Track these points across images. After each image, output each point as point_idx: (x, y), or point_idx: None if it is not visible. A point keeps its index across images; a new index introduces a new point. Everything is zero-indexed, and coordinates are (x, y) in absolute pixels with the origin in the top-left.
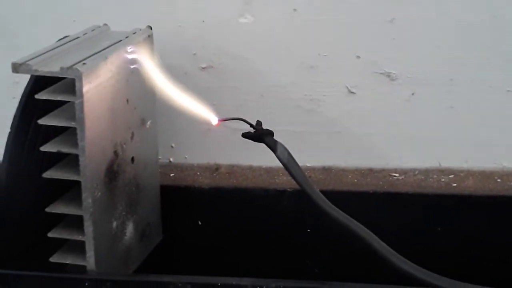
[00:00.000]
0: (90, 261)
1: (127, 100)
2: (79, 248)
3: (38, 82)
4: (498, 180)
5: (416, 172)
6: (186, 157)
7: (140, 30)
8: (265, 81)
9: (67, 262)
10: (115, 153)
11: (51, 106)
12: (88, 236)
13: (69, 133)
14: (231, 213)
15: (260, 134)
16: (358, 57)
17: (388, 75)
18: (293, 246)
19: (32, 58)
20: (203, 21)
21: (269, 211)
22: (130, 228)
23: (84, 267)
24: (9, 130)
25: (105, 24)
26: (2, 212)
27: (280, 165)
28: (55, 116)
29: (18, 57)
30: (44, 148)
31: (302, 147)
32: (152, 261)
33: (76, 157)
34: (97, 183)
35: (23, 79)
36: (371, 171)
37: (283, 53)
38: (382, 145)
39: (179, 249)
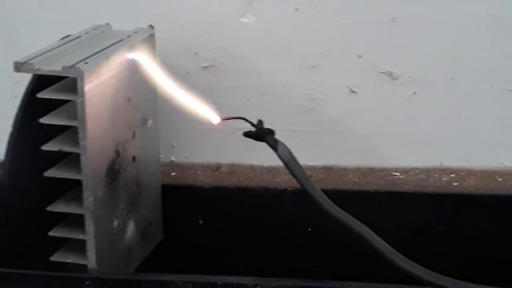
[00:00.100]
0: (91, 260)
1: (129, 99)
2: (80, 247)
3: (40, 81)
4: (499, 179)
5: (418, 171)
6: (187, 156)
7: (142, 29)
8: (266, 80)
9: (68, 261)
10: (117, 152)
11: (52, 105)
12: (89, 235)
13: (70, 132)
14: (232, 212)
15: (261, 133)
16: (360, 56)
17: (390, 75)
18: (293, 245)
19: (34, 57)
20: (204, 20)
21: (270, 210)
22: (131, 227)
23: (85, 266)
24: (11, 129)
25: (107, 24)
26: (3, 211)
27: (281, 164)
28: (56, 115)
29: (20, 56)
30: (46, 147)
31: (303, 146)
32: (153, 260)
33: (77, 156)
34: (98, 182)
35: (25, 78)
36: (372, 170)
37: (285, 52)
38: (384, 145)
39: (180, 248)
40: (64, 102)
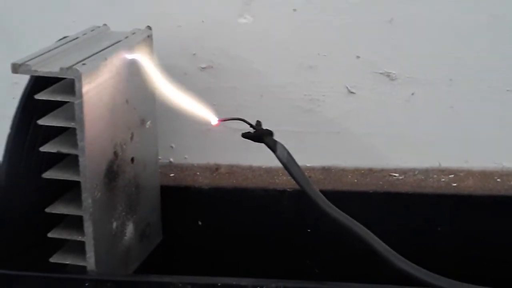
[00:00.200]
0: (90, 261)
1: (127, 101)
2: (79, 248)
3: (38, 83)
4: (498, 180)
5: (416, 172)
6: (186, 157)
7: (140, 30)
8: (264, 81)
9: (67, 262)
10: (115, 153)
11: (50, 107)
12: (88, 236)
13: (68, 134)
14: (231, 213)
15: (260, 134)
16: (358, 57)
17: (388, 75)
18: (293, 246)
19: (32, 59)
20: (202, 21)
21: (269, 211)
22: (130, 229)
23: (84, 267)
24: (8, 130)
25: (105, 25)
26: (2, 213)
27: (280, 165)
28: (54, 117)
29: (17, 58)
30: (44, 148)
31: (302, 147)
32: (152, 261)
33: (75, 157)
34: (97, 183)
35: (23, 80)
36: (371, 171)
37: (283, 53)
38: (382, 145)
39: (179, 249)
40: (62, 103)
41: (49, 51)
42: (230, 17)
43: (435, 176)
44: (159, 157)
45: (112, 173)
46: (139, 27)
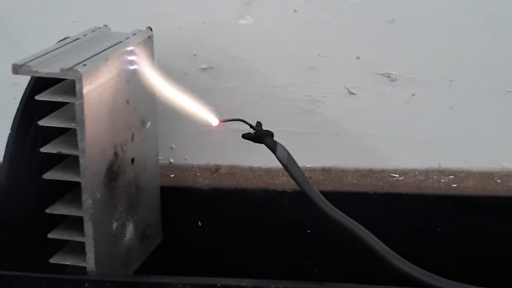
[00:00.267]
0: (90, 262)
1: (127, 101)
2: (79, 249)
3: (38, 84)
4: (498, 180)
5: (416, 173)
6: (186, 158)
7: (140, 31)
8: (265, 82)
9: (67, 263)
10: (115, 154)
11: (51, 107)
12: (88, 237)
13: (69, 134)
14: (231, 214)
15: (260, 135)
16: (358, 58)
17: (388, 76)
18: (293, 247)
19: (32, 60)
20: (203, 22)
21: (269, 212)
22: (130, 229)
23: (84, 268)
24: (9, 131)
25: (105, 25)
26: (2, 213)
27: (280, 165)
28: (55, 117)
29: (18, 59)
30: (44, 149)
31: (302, 147)
32: (152, 262)
33: (76, 158)
34: (97, 184)
35: (23, 80)
36: (371, 171)
37: (283, 54)
38: (382, 146)
39: (179, 250)
40: (62, 104)
41: (50, 52)
42: (231, 17)
43: (435, 177)
44: (159, 158)
45: (112, 174)
46: (140, 28)
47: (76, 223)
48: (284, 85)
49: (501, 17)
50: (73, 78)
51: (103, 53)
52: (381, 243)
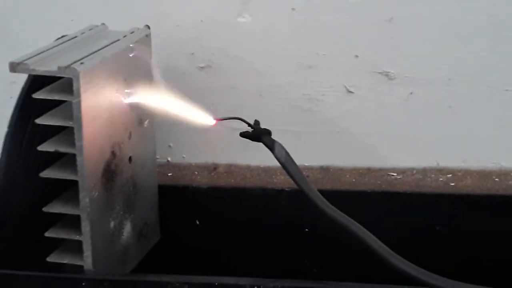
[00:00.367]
0: (87, 261)
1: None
2: (76, 247)
3: (36, 82)
4: (496, 179)
5: (414, 172)
6: (184, 157)
7: (138, 29)
8: (263, 80)
9: (65, 262)
10: (113, 152)
11: (48, 106)
12: (85, 235)
13: (66, 133)
14: (229, 213)
15: (258, 134)
16: (357, 56)
17: (387, 75)
18: (291, 245)
19: (30, 58)
20: (201, 20)
21: (267, 210)
22: (127, 228)
23: (81, 267)
24: (6, 129)
25: (103, 24)
26: None
27: (278, 164)
28: (52, 116)
29: (15, 57)
30: (42, 147)
31: (300, 146)
32: (150, 260)
33: (73, 156)
34: (95, 182)
35: (21, 79)
36: (369, 170)
37: (281, 52)
38: (380, 145)
39: (177, 248)
40: (60, 102)
41: (47, 50)
42: (229, 16)
43: (433, 175)
44: (157, 156)
45: (109, 173)
46: (138, 26)
47: (74, 222)
48: (282, 84)
49: (501, 16)
50: (70, 76)
51: (100, 51)
52: (379, 241)
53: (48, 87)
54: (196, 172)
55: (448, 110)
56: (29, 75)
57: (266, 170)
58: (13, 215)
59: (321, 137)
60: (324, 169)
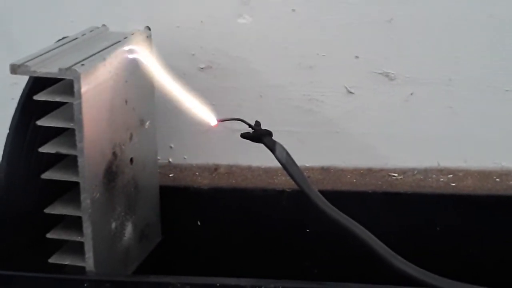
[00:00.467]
0: (89, 262)
1: (126, 101)
2: (78, 249)
3: (37, 83)
4: (497, 179)
5: (415, 172)
6: (185, 158)
7: (139, 31)
8: (263, 81)
9: (66, 263)
10: (114, 154)
11: (49, 107)
12: (87, 237)
13: (67, 134)
14: (230, 214)
15: (258, 135)
16: (357, 57)
17: (387, 75)
18: (292, 246)
19: (31, 59)
20: (201, 21)
21: (268, 211)
22: (129, 229)
23: (83, 268)
24: (7, 131)
25: (104, 25)
26: (1, 213)
27: (279, 165)
28: (53, 117)
29: (16, 58)
30: (43, 149)
31: (301, 147)
32: (151, 261)
33: (74, 158)
34: (96, 184)
35: (22, 80)
36: (370, 171)
37: (282, 53)
38: (381, 145)
39: (178, 249)
40: (61, 104)
41: (48, 51)
42: (229, 17)
43: (434, 176)
44: (158, 158)
45: (111, 174)
46: (138, 28)
47: (75, 223)
48: (283, 85)
49: (501, 16)
50: (71, 78)
51: (101, 53)
52: (380, 242)
53: (49, 89)
54: (197, 173)
55: (448, 111)
56: (30, 77)
57: (267, 171)
58: (15, 217)
59: (322, 138)
60: (324, 170)
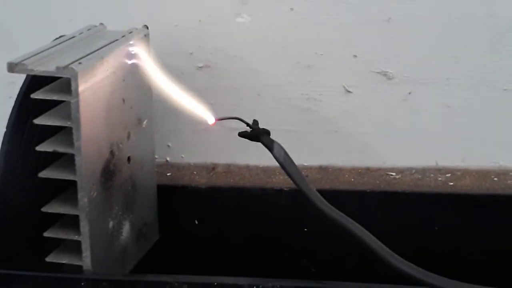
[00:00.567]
0: (86, 261)
1: (123, 100)
2: (75, 247)
3: (34, 82)
4: (495, 179)
5: (413, 171)
6: (182, 157)
7: (137, 29)
8: (262, 80)
9: (63, 262)
10: (111, 152)
11: (47, 106)
12: (84, 236)
13: (65, 133)
14: (228, 213)
15: (256, 133)
16: (355, 56)
17: (385, 74)
18: (290, 245)
19: (28, 58)
20: (199, 20)
21: (266, 210)
22: (126, 228)
23: (80, 267)
24: (5, 129)
25: (101, 24)
26: None
27: (277, 164)
28: (50, 116)
29: (13, 57)
30: (40, 147)
31: (299, 146)
32: (149, 260)
33: (72, 156)
34: (93, 182)
35: (19, 79)
36: (368, 170)
37: (280, 52)
38: (379, 144)
39: (176, 248)
40: (58, 102)
41: (45, 50)
42: (227, 16)
43: (432, 175)
44: (156, 156)
45: (108, 172)
46: (136, 26)
47: (72, 222)
48: (281, 84)
49: (500, 16)
50: (68, 76)
51: (99, 51)
52: (378, 241)
53: (46, 87)
54: (195, 172)
55: (446, 110)
56: (28, 75)
57: (265, 170)
58: (12, 215)
59: (320, 137)
60: (323, 169)
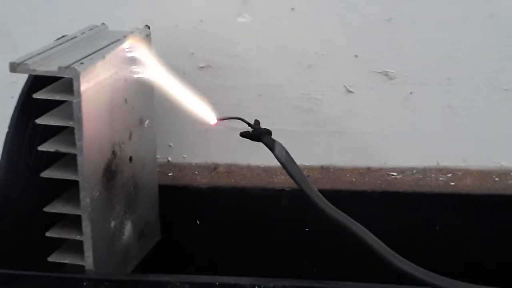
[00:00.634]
0: (88, 260)
1: (125, 100)
2: (77, 247)
3: (36, 82)
4: (496, 179)
5: (414, 171)
6: (184, 157)
7: (138, 29)
8: (263, 80)
9: (66, 261)
10: (113, 152)
11: (49, 106)
12: (86, 235)
13: (67, 133)
14: (230, 213)
15: (258, 134)
16: (356, 56)
17: (386, 74)
18: (291, 245)
19: (30, 58)
20: (201, 20)
21: (268, 210)
22: (128, 228)
23: (82, 266)
24: (7, 129)
25: (103, 24)
26: (0, 212)
27: (279, 164)
28: (52, 116)
29: (16, 57)
30: (42, 147)
31: (300, 146)
32: (151, 260)
33: (74, 156)
34: (95, 182)
35: (21, 79)
36: (369, 170)
37: (281, 52)
38: (380, 144)
39: (178, 248)
40: (60, 102)
41: (48, 50)
42: (229, 16)
43: (433, 175)
44: (158, 156)
45: (110, 172)
46: (138, 26)
47: (74, 222)
48: (282, 84)
49: (500, 16)
50: (70, 76)
51: (100, 51)
52: (379, 241)
53: (48, 87)
54: (196, 172)
55: (448, 110)
56: (30, 75)
57: (267, 170)
58: (14, 215)
59: (321, 137)
60: (324, 169)
